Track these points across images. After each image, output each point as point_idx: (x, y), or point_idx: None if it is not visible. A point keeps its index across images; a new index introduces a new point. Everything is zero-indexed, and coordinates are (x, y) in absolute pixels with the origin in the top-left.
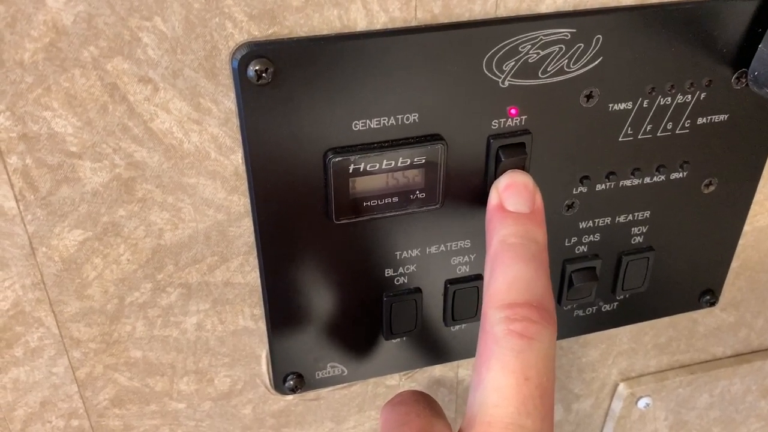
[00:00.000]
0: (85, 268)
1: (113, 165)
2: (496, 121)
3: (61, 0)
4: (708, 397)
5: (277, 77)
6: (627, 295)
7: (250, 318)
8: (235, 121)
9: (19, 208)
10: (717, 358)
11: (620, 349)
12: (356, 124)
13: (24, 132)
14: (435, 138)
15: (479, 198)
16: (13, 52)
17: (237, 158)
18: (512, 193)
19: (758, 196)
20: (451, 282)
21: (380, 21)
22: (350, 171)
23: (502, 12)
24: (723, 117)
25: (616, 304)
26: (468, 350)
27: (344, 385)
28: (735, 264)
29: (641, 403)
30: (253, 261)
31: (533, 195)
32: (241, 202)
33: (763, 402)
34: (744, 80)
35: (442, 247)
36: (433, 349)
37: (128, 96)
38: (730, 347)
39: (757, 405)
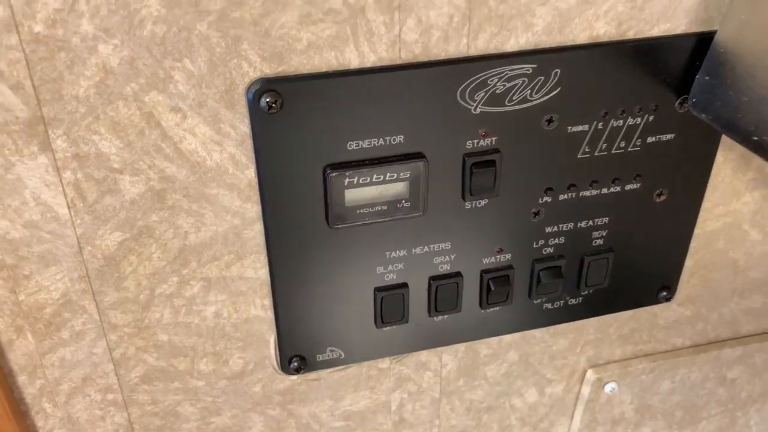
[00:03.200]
0: (123, 264)
1: (148, 179)
2: (470, 141)
3: (109, 47)
4: (670, 383)
5: (284, 107)
6: (590, 291)
7: (261, 308)
8: (249, 143)
9: (70, 214)
10: (677, 348)
11: (587, 338)
12: (350, 144)
13: (76, 152)
14: (418, 156)
15: (456, 207)
16: (70, 89)
17: (251, 173)
18: None
19: (706, 204)
20: (434, 278)
21: (370, 60)
22: (345, 184)
23: (473, 51)
24: (670, 136)
25: (581, 298)
26: (450, 338)
27: (341, 367)
28: (689, 263)
29: (608, 388)
30: (263, 259)
31: None
32: (253, 209)
33: (722, 389)
34: (686, 105)
35: (426, 248)
36: (420, 336)
37: (162, 122)
38: (689, 338)
39: (716, 391)
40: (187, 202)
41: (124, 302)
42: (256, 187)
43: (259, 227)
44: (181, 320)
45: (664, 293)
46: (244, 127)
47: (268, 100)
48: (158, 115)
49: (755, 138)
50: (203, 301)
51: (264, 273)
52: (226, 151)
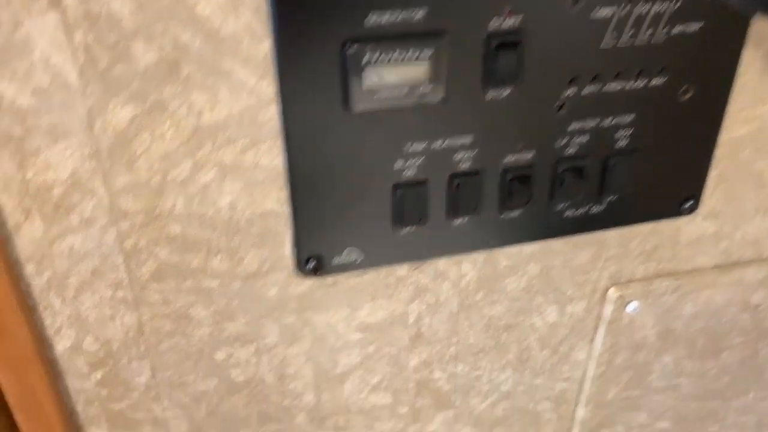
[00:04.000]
0: (135, 142)
1: (161, 47)
2: (495, 20)
3: None
4: (692, 306)
5: None
6: (613, 197)
7: (276, 201)
8: (265, 10)
9: (81, 81)
10: (700, 268)
11: (609, 253)
12: (370, 17)
13: (88, 10)
14: (441, 33)
15: (479, 94)
16: None
17: (266, 46)
18: None
19: (732, 107)
20: (454, 176)
21: None
22: (364, 61)
23: None
24: (696, 26)
25: (603, 206)
26: (469, 244)
27: (359, 272)
28: (713, 174)
29: (630, 307)
30: (279, 146)
31: None
32: (269, 88)
33: (745, 315)
34: None
35: (447, 142)
36: (438, 242)
37: None
38: (712, 258)
39: (739, 318)
40: (202, 75)
41: (135, 186)
42: (272, 62)
43: (275, 110)
44: (194, 210)
45: (689, 204)
46: None
47: None
48: None
49: None
50: (218, 189)
51: (280, 162)
52: (242, 19)
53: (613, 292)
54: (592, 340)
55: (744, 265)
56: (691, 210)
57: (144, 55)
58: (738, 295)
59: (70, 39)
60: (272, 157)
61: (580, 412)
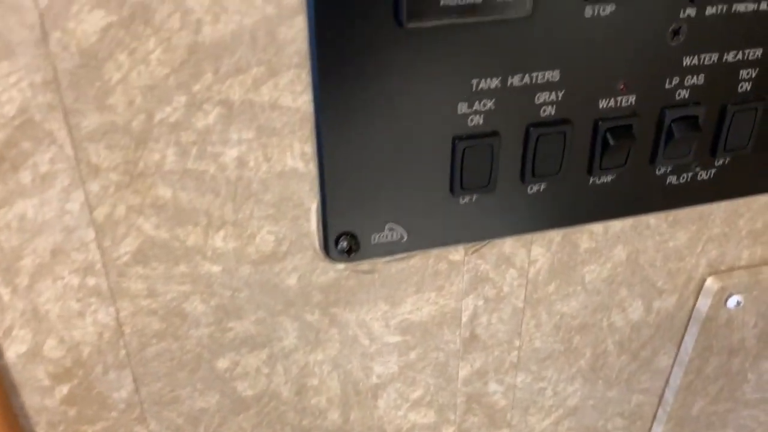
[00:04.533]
0: (108, 66)
1: None
2: None
3: None
4: None
5: None
6: (728, 159)
7: (300, 157)
8: None
9: None
10: None
11: (711, 233)
12: None
13: None
14: None
15: (574, 12)
16: None
17: None
18: None
19: None
20: (534, 125)
21: None
22: None
23: None
24: None
25: (714, 171)
26: (546, 219)
27: (402, 255)
28: None
29: (731, 302)
30: (306, 78)
31: None
32: None
33: None
34: None
35: (527, 78)
36: (507, 214)
37: None
38: None
39: None
40: None
41: (109, 131)
42: None
43: (301, 23)
44: (190, 167)
45: None
46: None
47: None
48: None
49: None
50: (222, 138)
51: (306, 102)
52: None
53: (711, 283)
54: (680, 343)
55: None
56: None
57: None
58: None
59: None
60: (295, 94)
61: (658, 431)
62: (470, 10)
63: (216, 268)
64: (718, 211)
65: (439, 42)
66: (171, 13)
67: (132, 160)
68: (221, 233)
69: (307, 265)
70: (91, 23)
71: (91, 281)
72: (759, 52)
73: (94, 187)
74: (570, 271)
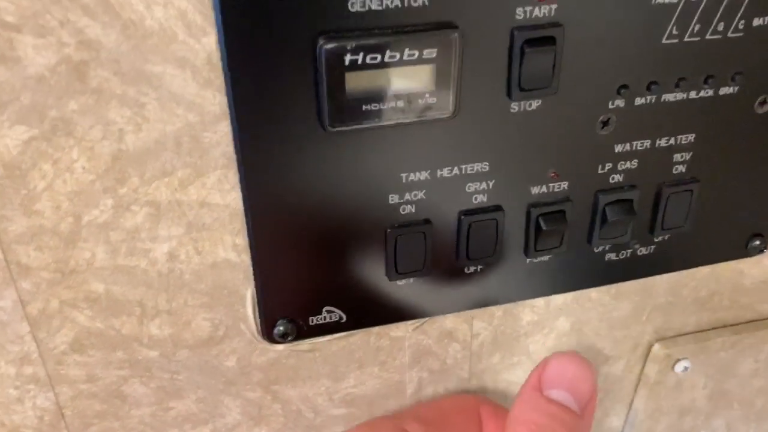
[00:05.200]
0: (32, 175)
1: (61, 43)
2: (522, 9)
3: None
4: (753, 362)
5: None
6: (666, 237)
7: (232, 248)
8: None
9: None
10: (764, 317)
11: (656, 302)
12: (354, 3)
13: None
14: (448, 26)
15: (500, 107)
16: None
17: (210, 42)
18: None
19: None
20: (466, 213)
21: None
22: (346, 63)
23: None
24: None
25: (653, 247)
26: (484, 298)
27: (343, 334)
28: None
29: (679, 367)
30: (233, 177)
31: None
32: (216, 99)
33: None
34: None
35: (456, 170)
36: (445, 294)
37: None
38: None
39: None
40: (120, 83)
41: (38, 233)
42: (219, 65)
43: (225, 128)
44: (121, 263)
45: (757, 242)
46: None
47: None
48: None
49: None
50: (151, 235)
51: (235, 198)
52: (174, 4)
53: (658, 349)
54: (629, 405)
55: None
56: (761, 249)
57: (36, 56)
58: None
59: None
60: (224, 192)
61: None
62: (392, 113)
63: (153, 353)
64: (661, 281)
65: (364, 141)
66: (92, 125)
67: (62, 259)
68: (156, 321)
69: (246, 348)
70: (12, 138)
71: (28, 370)
72: (692, 136)
73: (26, 284)
74: (514, 342)
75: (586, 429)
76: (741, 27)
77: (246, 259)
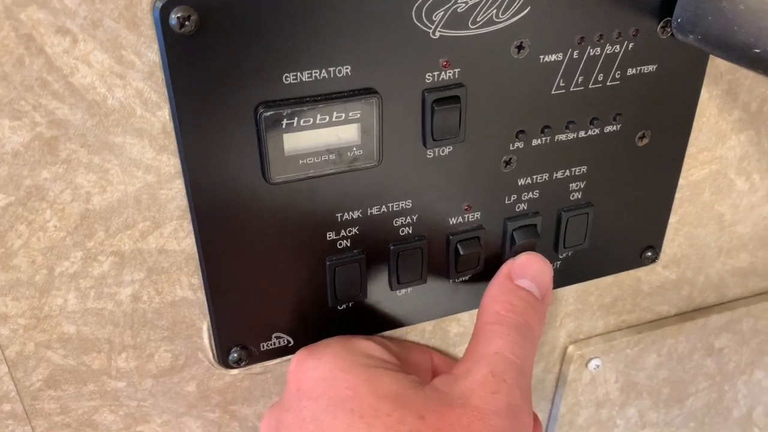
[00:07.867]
0: (9, 236)
1: (34, 123)
2: (430, 74)
3: None
4: (656, 356)
5: (201, 26)
6: (570, 253)
7: (189, 288)
8: (160, 75)
9: None
10: (662, 317)
11: (567, 310)
12: (287, 76)
13: None
14: (369, 91)
15: (417, 155)
16: None
17: (164, 114)
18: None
19: (691, 149)
20: (395, 243)
21: None
22: (283, 126)
23: None
24: (652, 68)
25: (559, 263)
26: (415, 315)
27: (291, 356)
28: (673, 219)
29: (591, 365)
30: (188, 226)
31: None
32: (170, 162)
33: (709, 360)
34: (669, 29)
35: (384, 208)
36: (382, 316)
37: (46, 48)
38: (674, 306)
39: (703, 364)
40: (87, 153)
41: (15, 285)
42: (172, 133)
43: (179, 185)
44: (90, 306)
45: (649, 253)
46: (152, 54)
47: (179, 16)
48: (40, 38)
49: (756, 50)
50: (116, 281)
51: (190, 244)
52: (132, 85)
53: (572, 351)
54: (551, 401)
55: (707, 309)
56: (653, 259)
57: (12, 135)
58: (701, 341)
59: None
60: (179, 239)
61: None
62: (326, 165)
63: (121, 384)
64: (570, 291)
65: (302, 190)
66: (63, 190)
67: (38, 306)
68: (123, 355)
69: (204, 374)
70: None
71: (6, 407)
72: (584, 168)
73: (5, 331)
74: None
75: (545, 311)
76: (618, 76)
77: (201, 296)
